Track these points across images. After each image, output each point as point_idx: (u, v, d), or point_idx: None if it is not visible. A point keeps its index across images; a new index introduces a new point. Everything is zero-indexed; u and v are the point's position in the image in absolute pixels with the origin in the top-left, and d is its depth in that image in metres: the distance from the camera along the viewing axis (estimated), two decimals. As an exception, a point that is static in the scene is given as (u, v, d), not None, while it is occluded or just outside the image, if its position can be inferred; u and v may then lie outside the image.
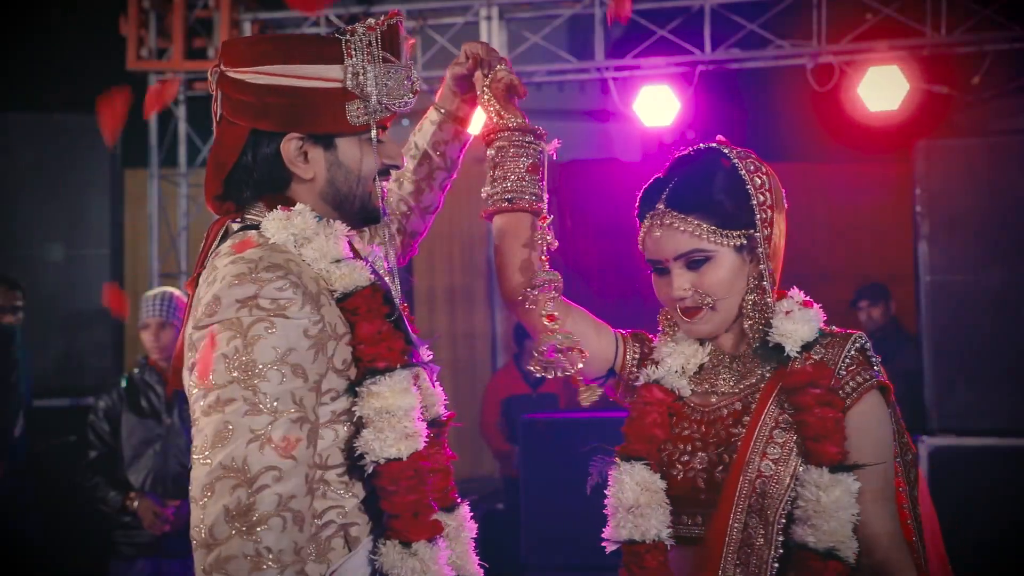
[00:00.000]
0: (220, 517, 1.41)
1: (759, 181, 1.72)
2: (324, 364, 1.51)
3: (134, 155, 6.21)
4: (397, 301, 1.66)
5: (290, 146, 1.59)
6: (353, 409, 1.54)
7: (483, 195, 1.83)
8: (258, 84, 1.57)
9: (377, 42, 1.58)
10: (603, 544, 1.73)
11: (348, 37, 1.59)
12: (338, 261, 1.57)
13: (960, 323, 4.97)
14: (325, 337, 1.51)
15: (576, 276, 7.98)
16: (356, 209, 1.65)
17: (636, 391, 1.78)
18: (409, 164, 1.97)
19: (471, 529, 1.73)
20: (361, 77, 1.58)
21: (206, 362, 1.47)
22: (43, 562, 4.71)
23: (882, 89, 5.51)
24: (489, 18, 5.92)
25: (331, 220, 1.62)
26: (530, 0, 6.19)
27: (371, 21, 1.61)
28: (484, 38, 5.88)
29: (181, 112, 6.23)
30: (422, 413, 1.62)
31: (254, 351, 1.45)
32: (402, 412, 1.54)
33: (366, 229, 1.84)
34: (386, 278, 1.70)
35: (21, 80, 7.25)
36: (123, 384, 4.25)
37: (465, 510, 1.74)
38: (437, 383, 1.74)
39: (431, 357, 1.66)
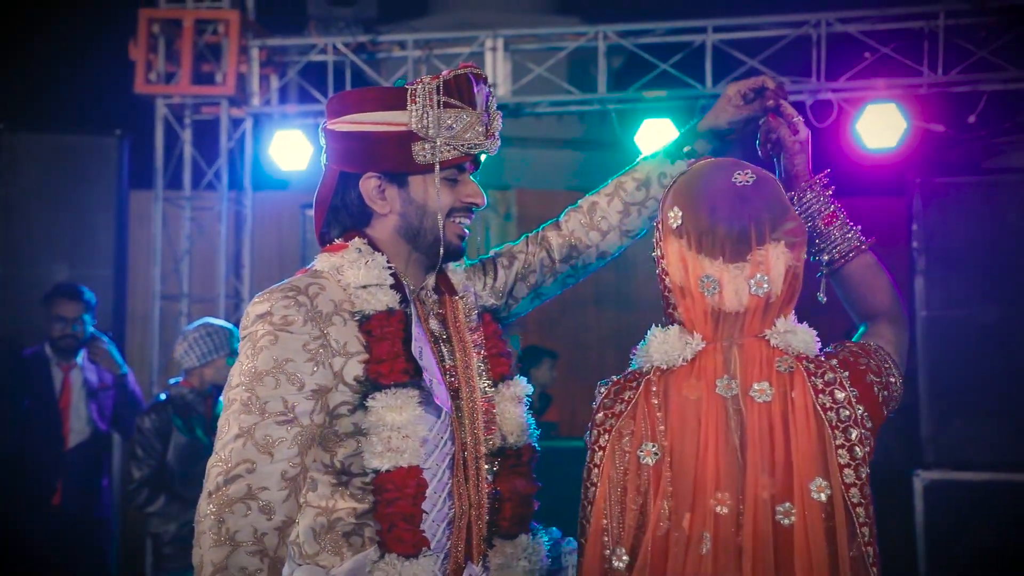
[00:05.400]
0: (204, 497, 1.65)
1: None
2: (328, 377, 1.70)
3: (140, 177, 6.26)
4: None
5: (369, 184, 1.81)
6: (362, 422, 1.71)
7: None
8: (341, 131, 1.82)
9: (439, 89, 1.76)
10: None
11: (415, 86, 1.78)
12: (366, 287, 1.76)
13: (956, 358, 5.00)
14: (328, 353, 1.70)
15: (584, 302, 8.00)
16: (429, 242, 1.82)
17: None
18: (629, 184, 2.05)
19: (535, 561, 1.84)
20: (424, 120, 1.76)
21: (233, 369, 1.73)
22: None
23: (880, 126, 5.59)
24: (494, 49, 6.00)
25: (373, 252, 1.80)
26: (534, 32, 6.29)
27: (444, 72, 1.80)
28: (489, 69, 5.96)
29: (187, 135, 6.28)
30: (440, 437, 1.75)
31: (258, 360, 1.68)
32: (392, 427, 1.68)
33: (471, 268, 1.99)
34: (473, 315, 1.88)
35: (29, 100, 7.33)
36: (166, 402, 4.27)
37: (527, 540, 1.84)
38: (528, 412, 1.89)
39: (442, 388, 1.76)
